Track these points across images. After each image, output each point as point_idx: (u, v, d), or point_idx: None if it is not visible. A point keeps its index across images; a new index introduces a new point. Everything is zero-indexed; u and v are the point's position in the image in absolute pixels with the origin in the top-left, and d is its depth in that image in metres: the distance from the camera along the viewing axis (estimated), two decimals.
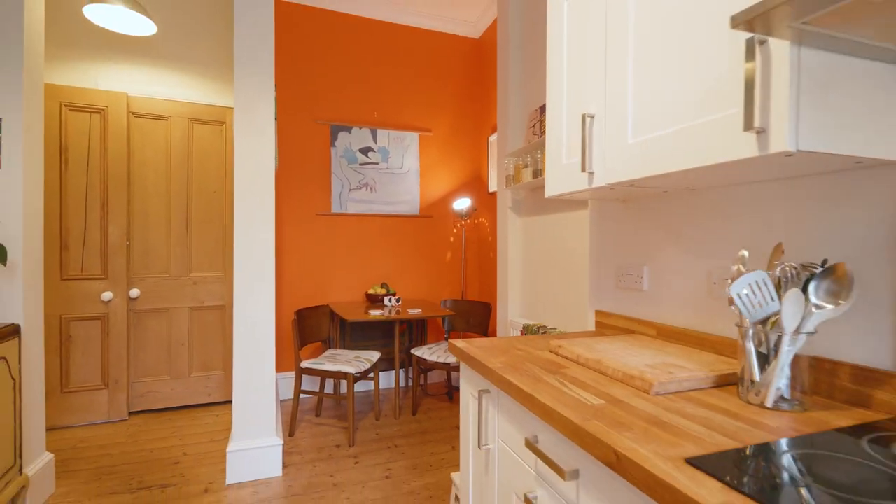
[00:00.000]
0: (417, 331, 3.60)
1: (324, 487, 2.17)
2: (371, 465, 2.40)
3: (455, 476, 1.82)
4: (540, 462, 0.96)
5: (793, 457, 0.66)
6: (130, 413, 3.05)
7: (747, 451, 0.67)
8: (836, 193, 0.93)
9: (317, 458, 2.47)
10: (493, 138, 3.67)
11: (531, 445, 0.96)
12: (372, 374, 3.08)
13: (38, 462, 2.00)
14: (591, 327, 1.69)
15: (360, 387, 3.58)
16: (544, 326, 2.33)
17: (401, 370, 3.70)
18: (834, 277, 0.83)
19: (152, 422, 2.94)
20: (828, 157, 0.78)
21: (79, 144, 2.83)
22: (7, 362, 1.71)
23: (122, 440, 2.67)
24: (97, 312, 2.90)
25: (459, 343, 1.39)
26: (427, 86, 3.80)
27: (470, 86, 3.93)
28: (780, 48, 0.73)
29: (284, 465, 2.37)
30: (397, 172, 3.71)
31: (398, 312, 3.00)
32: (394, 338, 3.05)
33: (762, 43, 0.75)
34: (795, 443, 0.71)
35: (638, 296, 1.47)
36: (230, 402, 3.28)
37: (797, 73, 0.73)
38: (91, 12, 2.36)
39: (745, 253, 0.93)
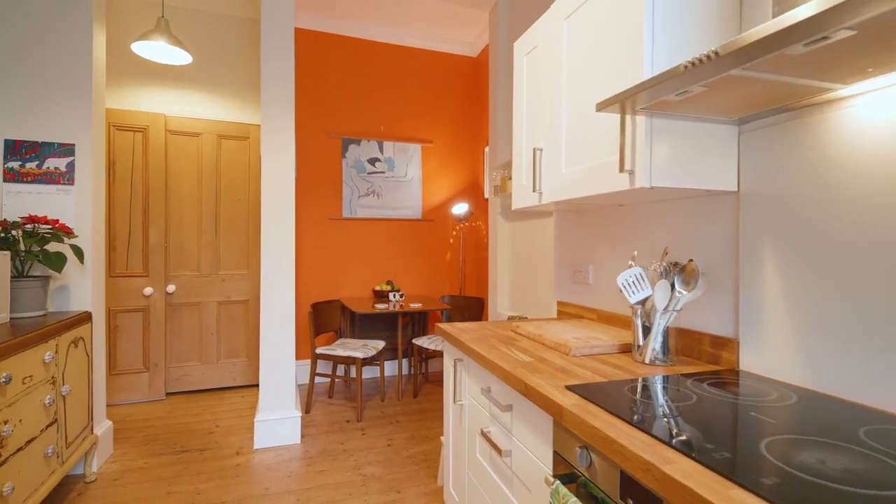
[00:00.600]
0: (419, 323, 3.98)
1: (335, 452, 2.56)
2: (376, 436, 2.79)
3: (444, 439, 2.19)
4: (492, 405, 1.34)
5: (632, 386, 1.03)
6: (167, 393, 3.48)
7: (607, 383, 1.04)
8: (701, 212, 1.29)
9: (329, 430, 2.86)
10: (488, 149, 4.03)
11: (486, 393, 1.34)
12: (377, 361, 3.46)
13: (102, 426, 2.42)
14: (555, 315, 2.06)
15: (367, 373, 3.97)
16: (525, 317, 2.69)
17: (404, 359, 4.09)
18: (686, 272, 1.19)
19: (186, 401, 3.36)
20: (680, 189, 1.15)
21: (124, 159, 3.27)
22: (84, 342, 2.13)
23: (162, 415, 3.10)
24: (139, 305, 3.33)
25: (443, 325, 1.77)
26: (429, 101, 4.18)
27: (468, 100, 4.30)
28: (640, 119, 1.10)
29: (302, 435, 2.77)
30: (402, 180, 4.09)
31: (401, 306, 3.39)
32: (397, 329, 3.45)
33: (632, 114, 1.12)
34: (642, 380, 1.07)
35: (586, 288, 1.84)
36: (253, 385, 3.70)
37: (650, 134, 1.09)
38: (138, 47, 2.78)
39: (636, 253, 1.29)
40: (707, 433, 0.76)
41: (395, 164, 4.07)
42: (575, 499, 0.84)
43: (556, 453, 0.99)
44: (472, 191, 4.33)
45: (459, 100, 4.28)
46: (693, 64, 0.77)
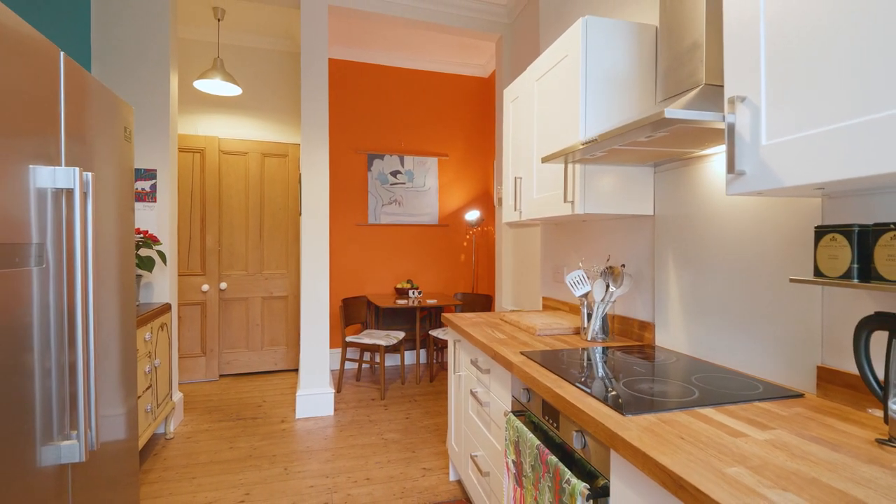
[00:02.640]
0: (435, 317, 4.47)
1: (363, 422, 3.07)
2: (396, 411, 3.29)
3: (448, 405, 2.66)
4: (478, 371, 1.81)
5: (566, 351, 1.48)
6: (220, 375, 4.07)
7: (550, 350, 1.50)
8: (632, 229, 1.73)
9: (357, 405, 3.38)
10: (496, 162, 4.48)
11: (474, 363, 1.80)
12: (398, 350, 3.96)
13: (177, 396, 3.00)
14: (541, 308, 2.51)
15: (389, 361, 4.49)
16: (521, 310, 3.13)
17: (421, 349, 4.58)
18: (614, 274, 1.63)
19: (237, 381, 3.94)
20: (607, 214, 1.59)
21: (186, 176, 3.87)
22: (167, 327, 2.70)
23: (218, 391, 3.68)
24: (198, 300, 3.93)
25: (447, 315, 2.25)
26: (445, 119, 4.66)
27: (479, 117, 4.76)
28: (577, 166, 1.55)
29: (335, 409, 3.29)
30: (420, 190, 4.58)
31: (419, 302, 3.88)
32: (416, 322, 3.96)
33: (572, 162, 1.56)
34: (578, 349, 1.52)
35: (561, 286, 2.28)
36: (292, 369, 4.26)
37: (584, 177, 1.54)
38: (199, 84, 3.37)
39: (583, 258, 1.73)
40: (594, 375, 1.21)
41: (414, 175, 4.56)
42: (518, 422, 1.31)
43: (513, 397, 1.45)
44: (484, 199, 4.78)
45: (472, 117, 4.74)
46: (587, 142, 1.22)
